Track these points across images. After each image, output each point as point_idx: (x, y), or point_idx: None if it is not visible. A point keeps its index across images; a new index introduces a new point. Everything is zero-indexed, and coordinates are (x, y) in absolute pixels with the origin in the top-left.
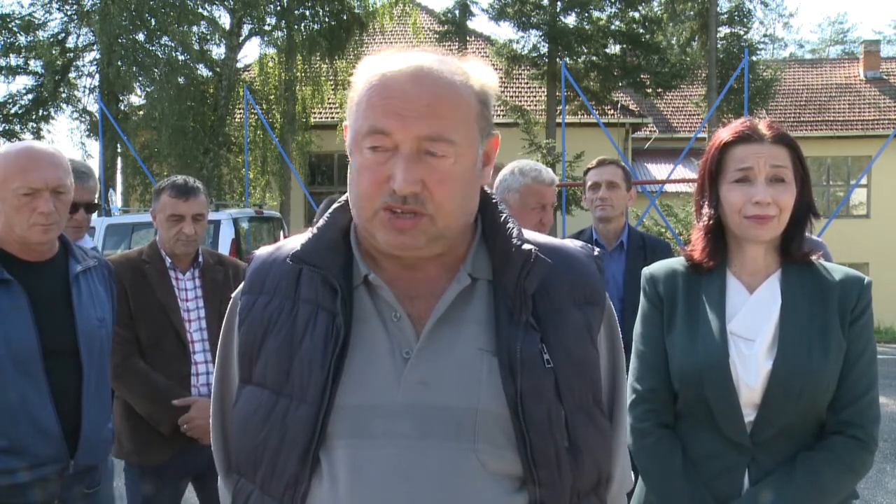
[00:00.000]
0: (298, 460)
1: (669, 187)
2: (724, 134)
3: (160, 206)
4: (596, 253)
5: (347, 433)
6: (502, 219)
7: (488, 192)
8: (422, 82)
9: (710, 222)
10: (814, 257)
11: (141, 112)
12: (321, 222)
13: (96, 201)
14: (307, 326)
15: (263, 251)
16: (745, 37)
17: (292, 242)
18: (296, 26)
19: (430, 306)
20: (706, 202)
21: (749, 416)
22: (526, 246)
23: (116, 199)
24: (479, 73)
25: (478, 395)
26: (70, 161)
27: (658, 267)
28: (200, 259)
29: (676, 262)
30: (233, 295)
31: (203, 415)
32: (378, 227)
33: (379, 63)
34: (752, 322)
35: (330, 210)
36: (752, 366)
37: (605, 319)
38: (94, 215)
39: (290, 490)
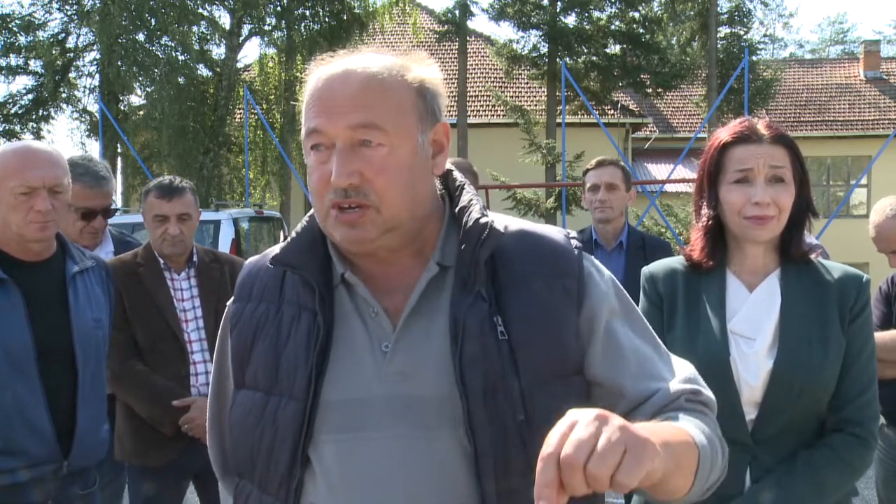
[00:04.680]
0: (290, 456)
1: (669, 187)
2: (723, 134)
3: (146, 207)
4: (572, 235)
5: (335, 428)
6: (468, 201)
7: (456, 176)
8: (347, 79)
9: (710, 223)
10: (813, 256)
11: (141, 112)
12: (299, 226)
13: (114, 206)
14: (291, 327)
15: (251, 260)
16: (745, 37)
17: (276, 249)
18: (296, 26)
19: (405, 299)
20: (705, 202)
21: (750, 414)
22: (483, 219)
23: (116, 199)
24: (419, 68)
25: (451, 381)
26: (87, 161)
27: (657, 266)
28: (195, 258)
29: (676, 262)
30: (227, 303)
31: (203, 414)
32: (330, 225)
33: (319, 68)
34: (752, 321)
35: (309, 214)
36: (752, 364)
37: (585, 285)
38: None
39: (285, 486)
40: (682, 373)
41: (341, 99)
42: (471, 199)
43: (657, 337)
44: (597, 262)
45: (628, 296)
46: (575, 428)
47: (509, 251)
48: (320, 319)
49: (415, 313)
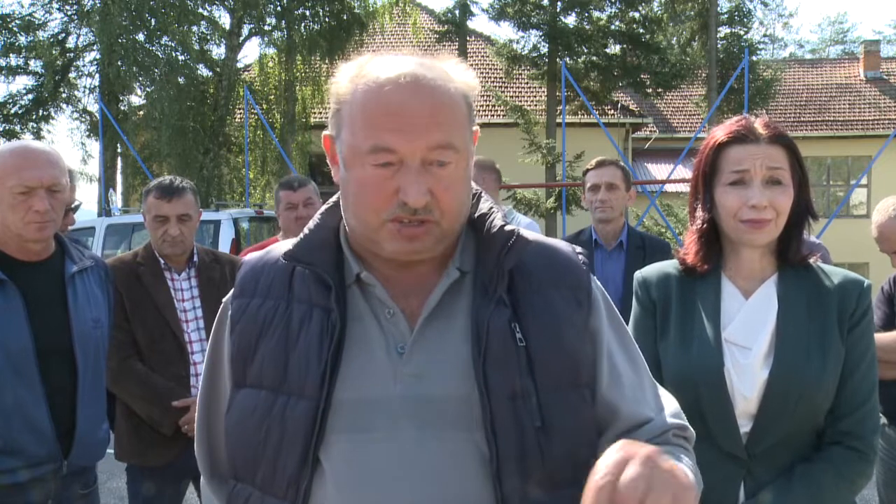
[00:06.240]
0: (300, 456)
1: (669, 187)
2: (719, 133)
3: (147, 207)
4: (579, 250)
5: (347, 428)
6: (487, 208)
7: (472, 185)
8: (420, 94)
9: (704, 226)
10: (811, 260)
11: (141, 112)
12: (311, 223)
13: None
14: (302, 325)
15: (252, 256)
16: (745, 37)
17: (281, 246)
18: (296, 26)
19: (423, 302)
20: (700, 204)
21: (745, 426)
22: (508, 227)
23: (116, 199)
24: (460, 74)
25: (470, 383)
26: None
27: (650, 270)
28: (196, 258)
29: (669, 266)
30: (223, 300)
31: None
32: (385, 237)
33: (367, 71)
34: (747, 329)
35: (320, 211)
36: (747, 375)
37: (593, 301)
38: (95, 215)
39: (294, 487)
40: (669, 406)
41: (417, 117)
42: (491, 207)
43: (645, 362)
44: (597, 280)
45: (622, 319)
46: (631, 462)
47: (526, 261)
48: (335, 317)
49: (432, 316)
